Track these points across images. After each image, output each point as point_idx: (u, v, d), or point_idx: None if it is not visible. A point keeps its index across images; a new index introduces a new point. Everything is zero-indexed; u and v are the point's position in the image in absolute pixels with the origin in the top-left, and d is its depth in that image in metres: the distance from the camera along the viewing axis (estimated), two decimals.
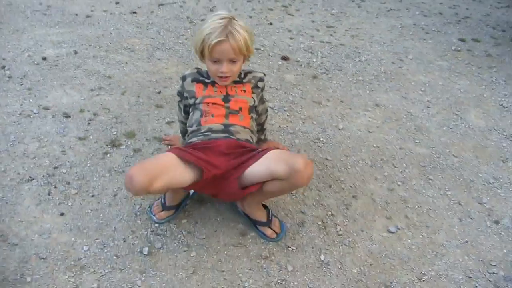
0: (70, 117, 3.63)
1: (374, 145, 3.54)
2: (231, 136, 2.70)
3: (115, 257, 2.64)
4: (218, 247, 2.73)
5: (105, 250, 2.68)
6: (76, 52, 4.58)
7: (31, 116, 3.63)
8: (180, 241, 2.75)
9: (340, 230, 2.87)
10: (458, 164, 3.47)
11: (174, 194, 2.81)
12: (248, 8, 5.65)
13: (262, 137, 3.19)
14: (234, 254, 2.70)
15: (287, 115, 3.78)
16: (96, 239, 2.74)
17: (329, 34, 5.09)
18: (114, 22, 5.28)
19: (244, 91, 2.84)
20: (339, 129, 3.67)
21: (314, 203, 3.04)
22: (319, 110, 3.87)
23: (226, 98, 2.78)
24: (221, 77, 2.73)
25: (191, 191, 2.92)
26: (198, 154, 2.51)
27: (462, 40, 5.17)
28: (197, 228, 2.83)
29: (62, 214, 2.86)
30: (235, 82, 2.83)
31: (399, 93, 4.14)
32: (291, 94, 4.04)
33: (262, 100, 2.99)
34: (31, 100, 3.81)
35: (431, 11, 5.83)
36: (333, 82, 4.23)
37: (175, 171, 2.46)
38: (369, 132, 3.65)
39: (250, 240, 2.78)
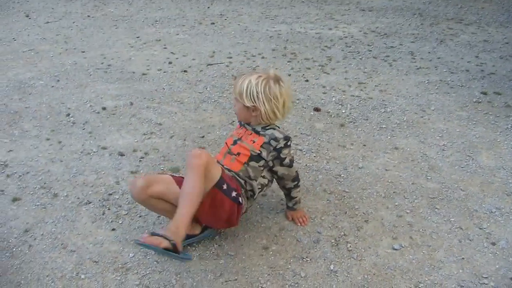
0: (124, 155, 4.24)
1: (389, 181, 3.96)
2: None
3: (155, 262, 3.17)
4: (243, 257, 3.22)
5: (148, 257, 3.22)
6: (132, 104, 5.23)
7: (91, 154, 4.26)
8: (211, 252, 3.26)
9: (350, 246, 3.30)
10: (464, 197, 3.80)
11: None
12: (288, 67, 6.17)
13: (290, 204, 3.49)
14: (256, 263, 3.17)
15: (314, 156, 4.27)
16: (141, 249, 3.28)
17: (359, 89, 5.55)
18: (167, 79, 5.90)
19: (253, 141, 3.18)
20: (359, 168, 4.11)
21: (330, 226, 3.49)
22: (343, 152, 4.33)
23: (236, 141, 3.28)
24: None
25: None
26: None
27: (484, 93, 5.51)
28: (227, 242, 3.34)
29: (113, 229, 3.43)
30: (254, 131, 3.24)
31: (418, 138, 4.54)
32: (319, 139, 4.52)
33: (281, 163, 3.24)
34: (91, 142, 4.45)
35: (458, 69, 6.17)
36: (359, 129, 4.68)
37: (171, 185, 3.03)
38: (386, 170, 4.08)
39: (271, 253, 3.25)
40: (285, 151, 3.21)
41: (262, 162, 3.18)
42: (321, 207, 3.61)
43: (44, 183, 3.94)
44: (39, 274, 3.10)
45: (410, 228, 3.47)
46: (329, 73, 5.94)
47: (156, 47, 7.14)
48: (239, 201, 3.07)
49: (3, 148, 4.48)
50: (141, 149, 4.36)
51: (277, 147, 3.16)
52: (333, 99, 5.26)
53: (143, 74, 6.03)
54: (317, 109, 5.01)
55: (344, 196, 3.74)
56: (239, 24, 8.23)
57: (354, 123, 4.77)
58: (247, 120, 3.26)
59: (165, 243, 2.68)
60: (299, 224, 3.47)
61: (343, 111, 4.99)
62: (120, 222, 3.52)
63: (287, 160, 3.23)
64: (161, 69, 6.18)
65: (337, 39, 7.34)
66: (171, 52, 6.85)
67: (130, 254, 3.24)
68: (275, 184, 3.46)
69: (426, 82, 5.68)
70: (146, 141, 4.51)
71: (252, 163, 3.16)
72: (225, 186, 2.99)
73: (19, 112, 5.15)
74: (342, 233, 3.41)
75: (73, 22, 8.67)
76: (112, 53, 6.86)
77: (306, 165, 4.09)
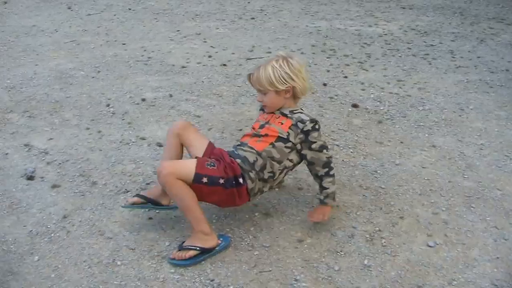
0: (162, 146, 4.28)
1: (425, 178, 3.96)
2: (231, 149, 3.33)
3: None
4: (278, 249, 3.24)
5: None
6: (171, 96, 5.28)
7: (130, 144, 4.32)
8: (246, 243, 3.29)
9: (384, 242, 3.32)
10: (501, 196, 3.78)
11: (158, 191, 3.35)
12: (327, 63, 6.18)
13: (321, 197, 3.36)
14: (291, 255, 3.20)
15: (351, 152, 4.28)
16: (177, 238, 3.33)
17: (398, 86, 5.55)
18: (206, 72, 5.95)
19: (282, 123, 3.25)
20: (396, 164, 4.12)
21: (365, 221, 3.50)
22: (380, 148, 4.33)
23: (263, 125, 3.33)
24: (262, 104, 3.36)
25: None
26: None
27: None
28: (262, 234, 3.37)
29: (150, 218, 3.49)
30: (282, 114, 3.32)
31: (455, 137, 4.53)
32: (357, 135, 4.53)
33: (309, 147, 3.24)
34: (130, 132, 4.52)
35: (498, 68, 6.14)
36: (396, 126, 4.69)
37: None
38: (423, 167, 4.08)
39: (306, 246, 3.28)
40: (314, 134, 3.22)
41: (289, 144, 3.22)
42: (357, 202, 3.62)
43: (83, 171, 4.01)
44: (76, 260, 3.16)
45: (445, 226, 3.46)
46: (368, 70, 5.94)
47: (196, 40, 7.19)
48: (234, 184, 3.11)
49: (44, 136, 4.56)
50: None
51: (304, 129, 3.20)
52: (372, 96, 5.26)
53: (183, 67, 6.09)
54: (355, 105, 5.02)
55: (380, 192, 3.75)
56: (279, 20, 8.24)
57: (392, 120, 4.77)
58: (279, 106, 3.32)
59: (191, 253, 3.11)
60: (310, 218, 3.42)
61: (381, 108, 4.99)
62: (157, 211, 3.56)
63: (316, 145, 3.23)
64: (200, 63, 6.22)
65: (377, 36, 7.33)
66: (211, 46, 6.89)
67: (166, 243, 3.29)
68: (312, 178, 3.47)
69: (465, 81, 5.66)
70: None
71: (279, 144, 3.21)
72: (205, 179, 3.04)
73: (60, 102, 5.24)
74: (377, 228, 3.41)
75: (114, 15, 8.75)
76: (152, 46, 6.92)
77: (343, 160, 4.11)
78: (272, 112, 3.36)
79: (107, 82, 5.69)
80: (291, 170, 3.39)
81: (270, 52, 6.55)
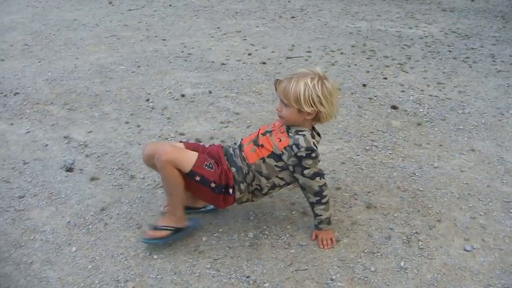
0: (201, 142, 4.30)
1: (464, 182, 3.92)
2: (231, 151, 3.27)
3: (227, 248, 3.23)
4: (314, 248, 3.25)
5: (220, 242, 3.28)
6: (210, 92, 5.31)
7: (169, 139, 4.36)
8: (283, 241, 3.30)
9: (421, 245, 3.29)
10: None
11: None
12: (367, 64, 6.16)
13: (315, 222, 3.29)
14: (327, 255, 3.20)
15: (389, 153, 4.26)
16: (214, 233, 3.35)
17: (438, 89, 5.50)
18: (246, 70, 5.96)
19: (280, 140, 3.11)
20: (434, 167, 4.09)
21: (402, 223, 3.49)
22: (419, 151, 4.31)
23: (266, 132, 3.23)
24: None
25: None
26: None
27: None
28: (299, 232, 3.37)
29: (187, 213, 3.47)
30: (286, 131, 3.14)
31: (495, 141, 4.48)
32: (395, 137, 4.51)
33: (301, 172, 3.09)
34: (169, 127, 4.55)
35: None
36: (435, 129, 4.65)
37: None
38: (461, 171, 4.05)
39: (342, 246, 3.27)
40: (307, 161, 3.04)
41: (281, 164, 3.11)
42: (394, 204, 3.61)
43: (122, 165, 4.04)
44: (113, 252, 3.20)
45: (483, 231, 3.43)
46: (407, 72, 5.91)
47: (236, 38, 7.21)
48: (222, 192, 3.12)
49: (83, 129, 4.61)
50: (218, 137, 4.42)
51: (298, 154, 3.03)
52: (411, 98, 5.23)
53: (222, 64, 6.10)
54: (394, 107, 4.99)
55: (418, 194, 3.73)
56: (319, 19, 8.23)
57: (431, 122, 4.73)
58: (295, 123, 3.13)
59: (165, 233, 3.21)
60: (321, 247, 3.27)
61: (421, 110, 4.96)
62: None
63: (308, 171, 3.06)
64: (240, 60, 6.23)
65: (417, 38, 7.28)
66: (251, 44, 6.90)
67: (203, 238, 3.31)
68: (350, 178, 3.47)
69: (506, 85, 5.60)
70: (223, 130, 4.57)
71: (270, 161, 3.11)
72: (198, 178, 3.05)
73: (100, 95, 5.28)
74: (414, 231, 3.39)
75: (155, 11, 8.81)
76: (192, 42, 6.96)
77: (381, 161, 4.09)
78: (282, 124, 3.19)
79: (147, 77, 5.73)
80: (279, 188, 3.26)
81: (310, 51, 6.54)
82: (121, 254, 3.19)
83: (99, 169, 4.01)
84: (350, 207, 3.57)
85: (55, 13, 8.77)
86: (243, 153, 3.17)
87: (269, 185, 3.17)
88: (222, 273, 3.05)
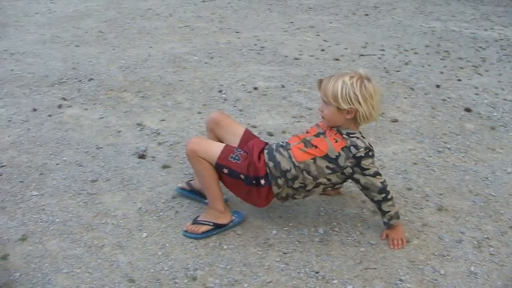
0: (273, 135, 4.33)
1: None
2: (273, 147, 3.27)
3: (297, 242, 3.24)
4: (384, 248, 3.22)
5: (290, 236, 3.28)
6: (283, 86, 5.31)
7: None
8: (353, 238, 3.29)
9: (492, 251, 3.24)
10: None
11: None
12: (441, 65, 6.09)
13: (384, 220, 3.27)
14: (397, 255, 3.17)
15: (462, 156, 4.21)
16: (284, 227, 3.36)
17: None
18: (318, 66, 5.95)
19: (336, 141, 3.08)
20: (508, 173, 4.02)
21: (473, 227, 3.44)
22: (492, 155, 4.24)
23: (319, 134, 3.19)
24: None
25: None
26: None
27: None
28: (369, 231, 3.36)
29: None
30: (338, 131, 3.11)
31: None
32: (468, 140, 4.45)
33: (362, 172, 3.09)
34: (241, 119, 4.56)
35: None
36: (510, 134, 4.57)
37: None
38: None
39: (412, 247, 3.25)
40: (366, 161, 3.05)
41: (333, 166, 3.09)
42: (466, 208, 3.56)
43: None
44: (183, 240, 3.23)
45: None
46: (482, 75, 5.82)
47: (309, 33, 7.20)
48: (253, 183, 3.15)
49: (156, 117, 4.66)
50: (290, 131, 4.43)
51: (357, 155, 3.02)
52: (485, 101, 5.15)
53: (295, 58, 6.11)
54: (468, 110, 4.93)
55: (490, 199, 3.67)
56: (393, 18, 8.17)
57: (505, 127, 4.66)
58: (337, 124, 3.11)
59: (203, 228, 3.27)
60: (392, 247, 3.24)
61: (495, 114, 4.88)
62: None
63: (369, 171, 3.07)
64: (313, 55, 6.23)
65: (492, 41, 7.17)
66: (324, 40, 6.89)
67: (273, 231, 3.31)
68: (422, 179, 3.44)
69: None
70: (295, 124, 4.57)
71: (321, 162, 3.09)
72: (225, 170, 3.13)
73: (173, 84, 5.34)
74: (486, 236, 3.34)
75: (229, 3, 8.87)
76: (265, 36, 6.97)
77: (453, 164, 4.05)
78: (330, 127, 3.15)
79: (220, 69, 5.77)
80: (325, 187, 3.23)
81: (383, 50, 6.51)
82: (191, 242, 3.22)
83: (171, 157, 4.05)
84: (421, 208, 3.54)
85: (130, 2, 8.90)
86: (290, 151, 3.14)
87: (315, 183, 3.15)
88: (291, 267, 3.05)
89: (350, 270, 3.03)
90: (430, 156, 4.15)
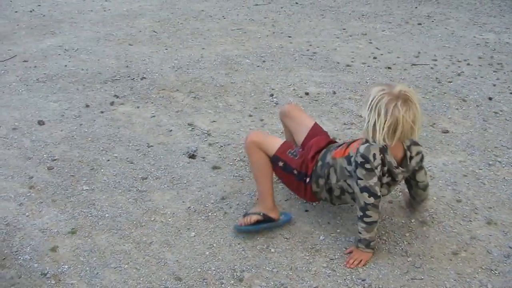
0: None
1: None
2: (330, 147, 3.34)
3: (344, 249, 3.24)
4: (432, 259, 3.20)
5: (337, 242, 3.29)
6: (334, 93, 5.31)
7: None
8: (400, 248, 3.27)
9: None
10: None
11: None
12: (493, 77, 6.01)
13: (357, 238, 3.18)
14: (444, 267, 3.15)
15: None
16: (332, 233, 3.36)
17: None
18: (370, 73, 5.93)
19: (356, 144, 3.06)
20: None
21: None
22: None
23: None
24: None
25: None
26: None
27: None
28: (416, 241, 3.34)
29: (306, 210, 3.53)
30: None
31: None
32: None
33: (356, 181, 3.05)
34: None
35: None
36: None
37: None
38: None
39: (460, 259, 3.22)
40: (361, 171, 2.96)
41: (350, 168, 3.06)
42: None
43: (244, 157, 4.10)
44: (231, 241, 3.25)
45: None
46: None
47: (361, 40, 7.18)
48: (303, 179, 3.26)
49: (207, 118, 4.69)
50: (340, 137, 4.42)
51: (355, 159, 2.98)
52: None
53: (347, 65, 6.09)
54: None
55: None
56: (446, 28, 8.10)
57: None
58: (365, 133, 2.99)
59: (254, 217, 3.27)
60: (345, 263, 3.15)
61: None
62: (314, 204, 3.62)
63: (360, 182, 2.99)
64: (365, 63, 6.21)
65: None
66: (376, 48, 6.86)
67: (321, 237, 3.32)
68: (471, 192, 3.43)
69: None
70: (346, 131, 4.56)
71: (343, 161, 3.12)
72: (281, 164, 3.26)
73: (225, 86, 5.37)
74: None
75: (281, 7, 8.88)
76: (317, 41, 6.97)
77: (504, 178, 4.00)
78: None
79: (271, 72, 5.78)
80: (346, 193, 3.21)
81: (435, 60, 6.45)
82: (238, 244, 3.24)
83: (221, 158, 4.08)
84: (470, 221, 3.51)
85: (183, 3, 8.97)
86: (335, 150, 3.19)
87: (338, 187, 3.17)
88: (337, 273, 3.05)
89: (396, 280, 3.02)
90: (480, 169, 4.10)
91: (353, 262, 3.11)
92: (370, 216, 3.02)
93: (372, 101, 2.80)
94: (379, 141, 2.83)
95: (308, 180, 3.24)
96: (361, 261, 3.12)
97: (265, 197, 3.32)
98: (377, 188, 2.98)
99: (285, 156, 3.24)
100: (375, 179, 2.96)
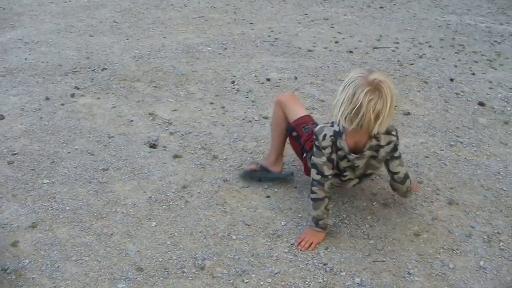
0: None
1: None
2: None
3: None
4: (393, 241, 3.22)
5: (299, 227, 3.29)
6: (296, 78, 5.30)
7: (252, 122, 4.37)
8: (362, 231, 3.28)
9: (502, 245, 3.22)
10: None
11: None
12: (455, 58, 6.04)
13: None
14: (406, 248, 3.16)
15: (474, 150, 4.18)
16: (293, 219, 3.36)
17: None
18: (332, 58, 5.92)
19: None
20: None
21: (484, 222, 3.42)
22: (505, 150, 4.21)
23: None
24: None
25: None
26: None
27: None
28: (378, 224, 3.35)
29: (268, 196, 3.53)
30: None
31: None
32: (481, 134, 4.42)
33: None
34: (253, 110, 4.57)
35: None
36: None
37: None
38: None
39: (422, 240, 3.23)
40: (314, 148, 3.11)
41: None
42: (477, 202, 3.55)
43: (205, 144, 4.08)
44: (192, 229, 3.24)
45: None
46: (496, 69, 5.78)
47: (323, 25, 7.17)
48: (303, 153, 3.39)
49: (168, 107, 4.67)
50: None
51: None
52: (499, 95, 5.12)
53: (309, 50, 6.08)
54: (481, 104, 4.90)
55: (502, 194, 3.65)
56: (408, 11, 8.12)
57: None
58: None
59: (251, 167, 3.68)
60: (296, 244, 3.19)
61: (508, 109, 4.85)
62: (275, 190, 3.60)
63: (312, 157, 3.13)
64: (327, 47, 6.20)
65: (508, 35, 7.11)
66: (338, 32, 6.86)
67: (282, 222, 3.31)
68: (433, 173, 3.44)
69: None
70: None
71: None
72: (294, 133, 3.42)
73: (186, 75, 5.34)
74: (496, 230, 3.33)
75: None
76: (279, 27, 6.95)
77: (465, 158, 4.02)
78: None
79: (233, 60, 5.75)
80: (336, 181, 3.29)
81: (397, 43, 6.47)
82: (200, 232, 3.22)
83: (182, 147, 4.06)
84: (432, 202, 3.53)
85: None
86: None
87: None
88: (299, 259, 3.05)
89: (359, 263, 3.02)
90: (442, 150, 4.12)
91: (304, 245, 3.14)
92: (315, 193, 3.10)
93: (346, 81, 2.81)
94: (338, 121, 2.87)
95: (305, 155, 3.32)
96: (311, 244, 3.14)
97: (272, 151, 3.63)
98: (325, 168, 3.06)
99: (299, 129, 3.36)
100: (323, 159, 3.05)
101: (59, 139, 4.16)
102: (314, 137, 3.07)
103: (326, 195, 3.12)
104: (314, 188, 3.10)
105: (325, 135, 3.01)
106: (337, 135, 3.01)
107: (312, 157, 3.10)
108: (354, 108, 2.75)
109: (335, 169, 3.15)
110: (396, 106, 4.33)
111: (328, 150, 3.03)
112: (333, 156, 3.06)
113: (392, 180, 3.25)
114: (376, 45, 6.39)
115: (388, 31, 7.04)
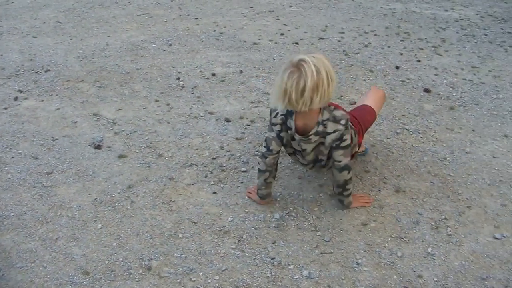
0: (230, 121, 4.30)
1: (496, 168, 3.85)
2: None
3: (253, 228, 3.22)
4: (341, 232, 3.22)
5: (246, 223, 3.27)
6: (241, 72, 5.27)
7: (198, 118, 4.34)
8: (309, 223, 3.28)
9: (450, 231, 3.25)
10: None
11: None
12: (401, 46, 6.07)
13: None
14: (354, 238, 3.17)
15: (420, 137, 4.20)
16: (240, 214, 3.35)
17: (472, 73, 5.40)
18: (278, 50, 5.90)
19: None
20: (466, 152, 4.02)
21: (431, 208, 3.44)
22: (451, 135, 4.24)
23: None
24: None
25: None
26: None
27: None
28: (326, 215, 3.35)
29: (214, 193, 3.51)
30: None
31: None
32: (427, 121, 4.44)
33: None
34: (199, 106, 4.53)
35: None
36: (468, 113, 4.57)
37: None
38: (493, 157, 3.97)
39: (369, 230, 3.25)
40: (268, 124, 3.24)
41: None
42: (424, 189, 3.56)
43: (150, 143, 4.04)
44: (139, 230, 3.21)
45: None
46: (442, 55, 5.81)
47: (268, 18, 7.14)
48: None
49: (112, 107, 4.61)
50: (248, 116, 4.40)
51: None
52: (444, 81, 5.14)
53: (254, 43, 6.05)
54: (427, 90, 4.92)
55: (448, 180, 3.67)
56: (353, 0, 8.12)
57: (464, 107, 4.65)
58: None
59: None
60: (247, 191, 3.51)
61: (454, 94, 4.88)
62: (222, 186, 3.58)
63: (266, 131, 3.26)
64: (272, 40, 6.18)
65: (453, 21, 7.16)
66: (283, 24, 6.84)
67: (229, 218, 3.30)
68: (380, 161, 3.45)
69: None
70: (253, 109, 4.53)
71: None
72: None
73: (131, 73, 5.28)
74: (443, 216, 3.35)
75: None
76: (224, 21, 6.91)
77: (412, 145, 4.04)
78: None
79: (178, 56, 5.71)
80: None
81: (343, 32, 6.47)
82: (146, 232, 3.20)
83: (127, 147, 4.02)
84: (379, 190, 3.53)
85: None
86: None
87: None
88: (247, 254, 3.04)
89: (306, 255, 3.02)
90: (388, 138, 4.14)
91: (248, 195, 3.49)
92: (259, 164, 3.28)
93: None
94: (274, 104, 2.98)
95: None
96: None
97: None
98: (273, 143, 3.19)
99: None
100: (273, 134, 3.16)
101: (2, 144, 4.09)
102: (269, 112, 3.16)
103: (267, 169, 3.24)
104: (259, 159, 3.27)
105: (277, 113, 3.11)
106: (288, 114, 3.08)
107: (266, 131, 3.17)
108: (280, 90, 2.85)
109: (292, 148, 3.23)
110: (342, 95, 4.36)
111: (277, 128, 3.13)
112: (283, 134, 3.14)
113: (333, 166, 3.23)
114: (322, 36, 6.38)
115: (334, 21, 7.04)
